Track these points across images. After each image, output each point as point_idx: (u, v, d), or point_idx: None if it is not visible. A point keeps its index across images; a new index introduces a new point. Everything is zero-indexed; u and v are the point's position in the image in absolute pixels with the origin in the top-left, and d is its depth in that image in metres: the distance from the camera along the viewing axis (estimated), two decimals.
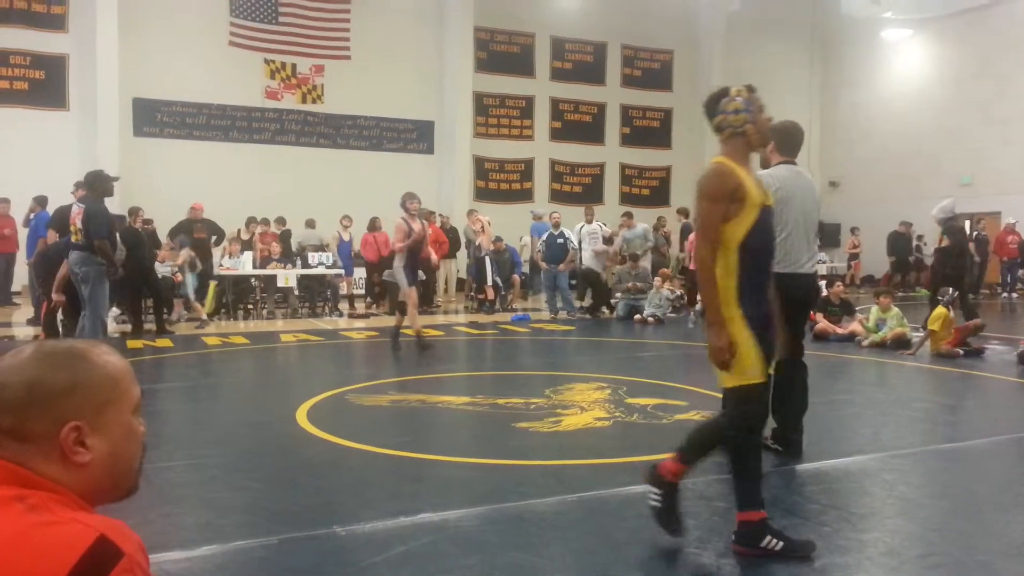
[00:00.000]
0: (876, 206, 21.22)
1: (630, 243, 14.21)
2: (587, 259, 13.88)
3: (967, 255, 12.04)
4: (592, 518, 3.71)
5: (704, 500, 3.96)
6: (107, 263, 7.56)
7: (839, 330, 10.35)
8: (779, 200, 4.50)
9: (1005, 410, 6.43)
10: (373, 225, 15.02)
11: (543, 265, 13.56)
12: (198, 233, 13.15)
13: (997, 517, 3.82)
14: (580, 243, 13.85)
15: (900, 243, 18.55)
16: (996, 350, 9.40)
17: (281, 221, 15.23)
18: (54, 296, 8.41)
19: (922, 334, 9.33)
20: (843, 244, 21.60)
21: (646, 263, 14.09)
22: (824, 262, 18.47)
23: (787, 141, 4.82)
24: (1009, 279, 18.22)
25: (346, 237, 14.96)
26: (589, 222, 14.26)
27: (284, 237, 14.59)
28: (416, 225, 9.25)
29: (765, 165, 4.83)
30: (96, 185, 7.70)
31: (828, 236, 21.05)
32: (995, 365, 8.48)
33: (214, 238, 13.78)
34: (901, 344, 9.47)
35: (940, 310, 9.26)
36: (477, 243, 14.39)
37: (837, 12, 22.44)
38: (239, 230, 14.50)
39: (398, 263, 9.34)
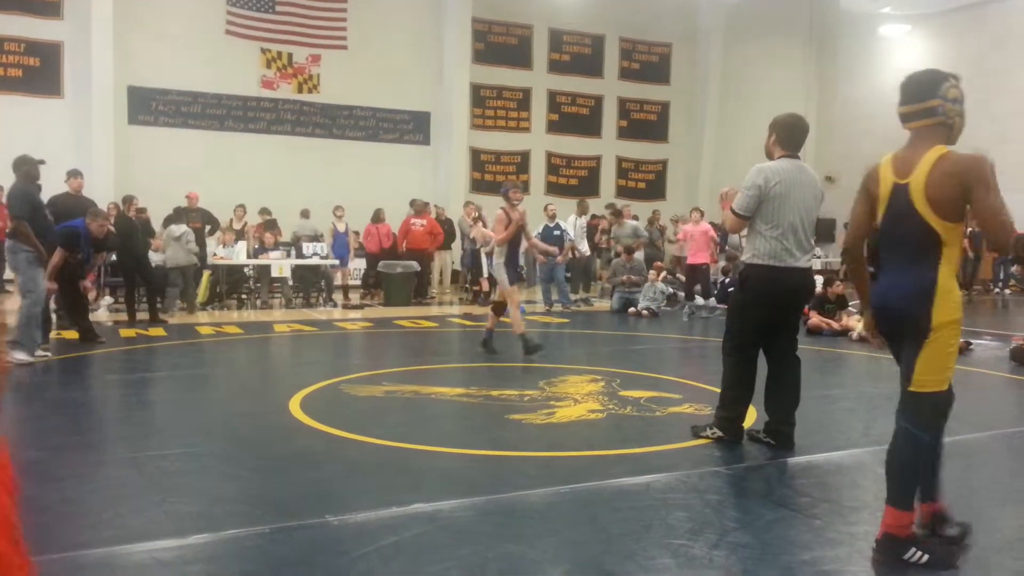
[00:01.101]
0: None
1: (619, 240, 14.30)
2: (584, 248, 14.25)
3: None
4: (585, 509, 3.72)
5: (696, 492, 3.97)
6: (34, 250, 7.51)
7: (834, 325, 10.38)
8: (778, 195, 4.59)
9: (997, 405, 6.45)
10: (377, 216, 15.00)
11: (540, 257, 13.55)
12: (193, 223, 13.10)
13: (989, 512, 3.84)
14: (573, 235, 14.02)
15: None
16: (988, 346, 9.43)
17: (266, 211, 15.08)
18: (46, 284, 8.37)
19: None
20: (838, 239, 21.62)
21: (640, 256, 14.15)
22: (819, 257, 18.49)
23: (790, 134, 4.75)
24: (1002, 275, 18.28)
25: (340, 228, 14.92)
26: (582, 215, 14.39)
27: (268, 226, 14.52)
28: (515, 215, 8.40)
29: (769, 157, 4.79)
30: (21, 167, 7.71)
31: (823, 231, 21.03)
32: (988, 361, 8.50)
33: (208, 227, 13.73)
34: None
35: None
36: (472, 235, 14.36)
37: (835, 7, 22.42)
38: (231, 220, 14.45)
39: (499, 259, 8.45)
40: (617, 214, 14.95)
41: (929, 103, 3.12)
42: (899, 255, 3.15)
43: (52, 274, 8.32)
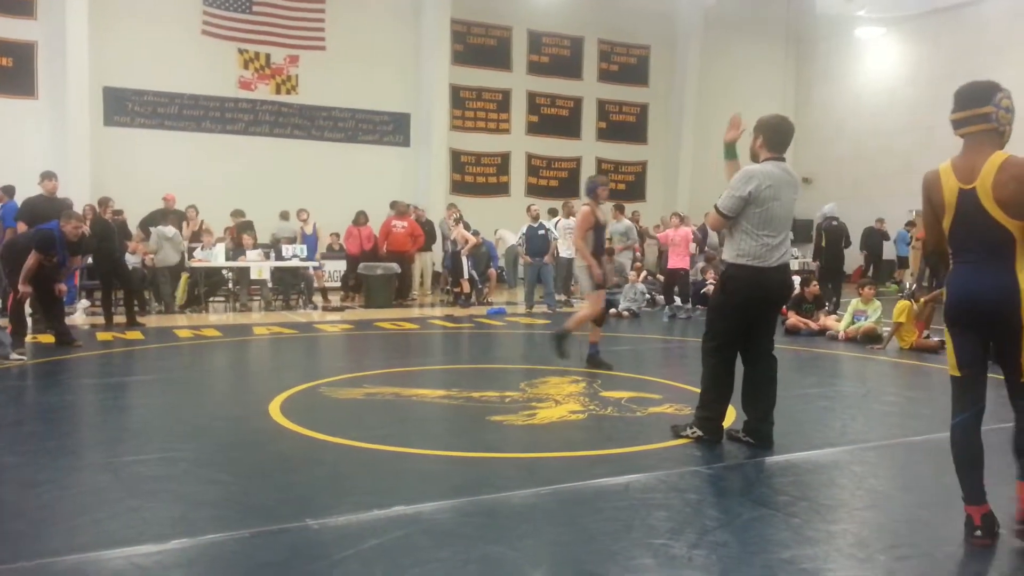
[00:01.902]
0: (848, 203, 21.44)
1: (613, 236, 14.44)
2: (563, 251, 14.06)
3: (840, 253, 13.50)
4: (566, 510, 3.73)
5: (677, 492, 3.99)
6: None
7: (811, 325, 10.47)
8: (769, 198, 4.63)
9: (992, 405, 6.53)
10: (359, 219, 14.96)
11: (526, 259, 13.56)
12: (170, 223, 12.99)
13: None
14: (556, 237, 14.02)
15: (874, 239, 18.79)
16: None
17: (239, 213, 14.95)
18: (20, 287, 8.28)
19: (890, 328, 9.48)
20: (814, 240, 21.81)
21: (623, 258, 14.21)
22: (796, 257, 18.66)
23: (776, 137, 4.80)
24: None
25: (308, 230, 14.83)
26: (567, 216, 14.37)
27: (242, 229, 14.43)
28: (600, 214, 7.61)
29: (754, 159, 4.83)
30: None
31: (799, 232, 21.21)
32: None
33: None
34: (871, 339, 9.60)
35: (903, 303, 9.42)
36: (452, 237, 14.35)
37: (812, 10, 22.62)
38: (201, 221, 14.33)
39: (580, 262, 7.66)
40: (620, 209, 15.09)
41: (983, 110, 3.33)
42: (974, 254, 3.34)
43: (26, 277, 8.22)
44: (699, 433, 4.90)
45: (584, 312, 7.73)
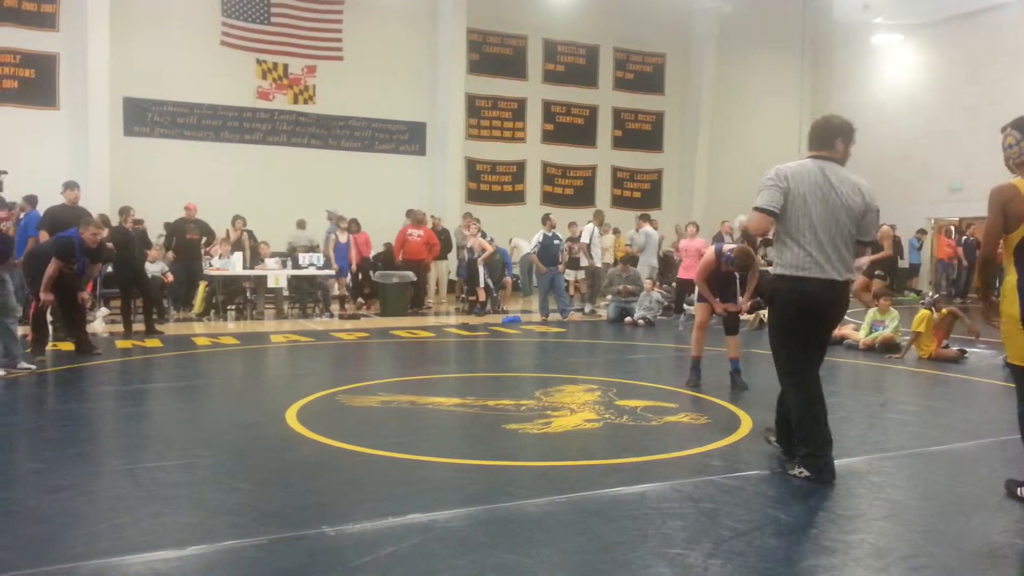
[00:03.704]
0: None
1: (634, 244, 14.59)
2: (596, 260, 14.68)
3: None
4: (581, 519, 3.73)
5: (692, 501, 3.98)
6: None
7: None
8: (803, 197, 4.22)
9: (991, 413, 6.47)
10: (351, 227, 15.04)
11: (540, 267, 13.60)
12: (190, 234, 13.12)
13: (982, 519, 3.86)
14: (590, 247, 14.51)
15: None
16: (983, 354, 9.47)
17: (240, 219, 14.98)
18: (42, 295, 8.38)
19: (908, 337, 9.42)
20: None
21: (649, 264, 14.36)
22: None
23: (815, 132, 4.42)
24: (998, 283, 18.33)
25: (343, 239, 14.94)
26: (598, 225, 14.91)
27: (250, 237, 14.54)
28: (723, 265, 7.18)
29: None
30: None
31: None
32: (982, 369, 8.54)
33: (204, 239, 13.75)
34: (890, 348, 9.53)
35: (923, 312, 9.35)
36: (469, 245, 14.40)
37: (828, 17, 22.54)
38: (228, 230, 14.45)
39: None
40: (644, 218, 15.17)
41: None
42: None
43: (47, 285, 8.32)
44: (807, 473, 4.35)
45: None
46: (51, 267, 8.29)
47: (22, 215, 12.94)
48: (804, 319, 4.32)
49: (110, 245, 11.21)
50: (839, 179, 4.27)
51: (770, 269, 4.51)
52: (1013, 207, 3.91)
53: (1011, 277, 4.02)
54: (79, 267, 8.69)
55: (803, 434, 4.37)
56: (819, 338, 4.46)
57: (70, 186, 10.53)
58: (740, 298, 7.52)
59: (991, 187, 4.07)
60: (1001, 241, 4.02)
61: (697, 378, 7.23)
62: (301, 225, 15.77)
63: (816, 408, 4.37)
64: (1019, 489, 4.05)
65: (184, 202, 13.65)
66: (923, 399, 7.29)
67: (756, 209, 4.30)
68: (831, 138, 4.36)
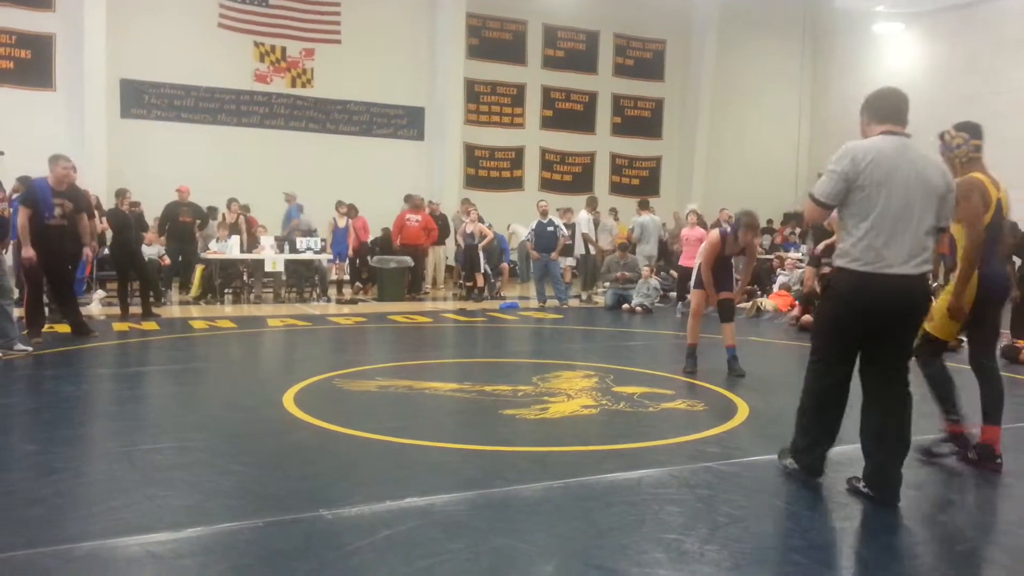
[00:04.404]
0: None
1: (635, 231, 14.65)
2: (591, 247, 14.73)
3: None
4: (577, 504, 3.73)
5: (688, 487, 3.99)
6: None
7: None
8: (874, 181, 3.65)
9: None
10: (349, 212, 15.01)
11: (534, 254, 13.58)
12: (183, 217, 13.07)
13: (982, 506, 3.87)
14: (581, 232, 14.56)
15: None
16: None
17: (238, 203, 14.94)
18: (24, 255, 8.06)
19: None
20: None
21: (650, 250, 14.37)
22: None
23: (883, 103, 3.86)
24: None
25: (341, 224, 14.89)
26: (591, 211, 14.95)
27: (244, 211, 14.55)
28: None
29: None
30: None
31: (817, 228, 21.14)
32: None
33: (198, 222, 13.69)
34: None
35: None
36: (470, 231, 14.34)
37: (829, 5, 22.42)
38: (224, 214, 14.40)
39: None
40: (644, 205, 15.17)
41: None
42: (994, 251, 4.39)
43: (24, 238, 7.98)
44: (794, 466, 4.14)
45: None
46: (21, 216, 8.01)
47: (15, 196, 12.87)
48: (863, 320, 3.76)
49: (103, 226, 11.15)
50: (919, 158, 3.73)
51: (834, 260, 3.98)
52: (988, 196, 4.31)
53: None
54: (47, 212, 8.21)
55: (802, 426, 4.06)
56: (892, 336, 3.82)
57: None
58: (736, 286, 7.53)
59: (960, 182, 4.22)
60: (953, 231, 4.27)
61: (693, 365, 7.25)
62: (299, 209, 15.70)
63: (823, 408, 3.97)
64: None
65: (179, 185, 13.60)
66: (920, 387, 7.29)
67: (812, 199, 3.85)
68: (904, 111, 3.83)
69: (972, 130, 4.52)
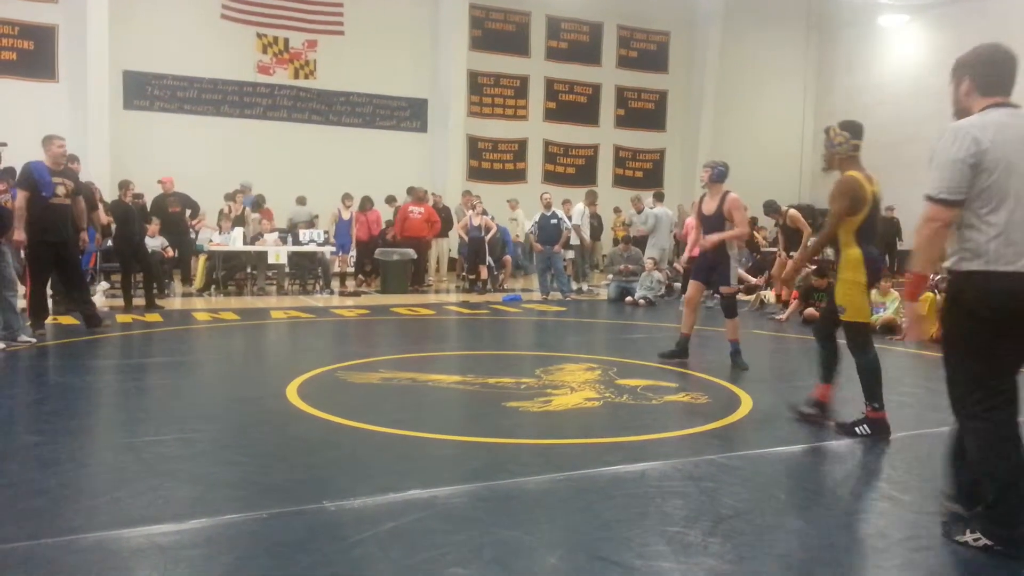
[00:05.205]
0: None
1: (634, 226, 14.64)
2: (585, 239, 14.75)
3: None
4: (580, 496, 3.73)
5: (692, 480, 3.99)
6: None
7: None
8: (995, 163, 3.02)
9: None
10: (364, 204, 14.98)
11: (537, 247, 13.57)
12: (172, 207, 13.05)
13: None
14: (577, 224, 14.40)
15: (887, 229, 18.62)
16: None
17: (242, 194, 14.91)
18: (16, 238, 7.90)
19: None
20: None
21: (660, 246, 14.35)
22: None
23: (993, 71, 3.20)
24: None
25: (345, 216, 14.88)
26: (590, 205, 14.90)
27: (255, 205, 14.50)
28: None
29: (964, 114, 3.26)
30: None
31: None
32: None
33: (188, 211, 13.69)
34: (890, 330, 9.52)
35: (926, 295, 9.32)
36: (476, 224, 14.31)
37: None
38: (229, 205, 14.39)
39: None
40: (658, 196, 15.14)
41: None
42: (871, 238, 4.93)
43: (19, 220, 7.84)
44: (987, 543, 3.09)
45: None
46: (18, 199, 7.88)
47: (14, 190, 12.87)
48: (1001, 330, 3.02)
49: (109, 219, 11.13)
50: None
51: (946, 264, 3.23)
52: (859, 195, 4.77)
53: (855, 251, 4.83)
54: (47, 192, 8.06)
55: (1001, 492, 3.03)
56: (1021, 346, 3.08)
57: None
58: (732, 281, 7.49)
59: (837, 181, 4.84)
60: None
61: (677, 353, 7.31)
62: (301, 201, 15.71)
63: (1015, 454, 3.04)
64: (857, 428, 4.83)
65: (185, 177, 13.60)
66: (924, 380, 7.28)
67: (932, 200, 3.06)
68: (1013, 76, 3.19)
69: (853, 130, 4.94)
